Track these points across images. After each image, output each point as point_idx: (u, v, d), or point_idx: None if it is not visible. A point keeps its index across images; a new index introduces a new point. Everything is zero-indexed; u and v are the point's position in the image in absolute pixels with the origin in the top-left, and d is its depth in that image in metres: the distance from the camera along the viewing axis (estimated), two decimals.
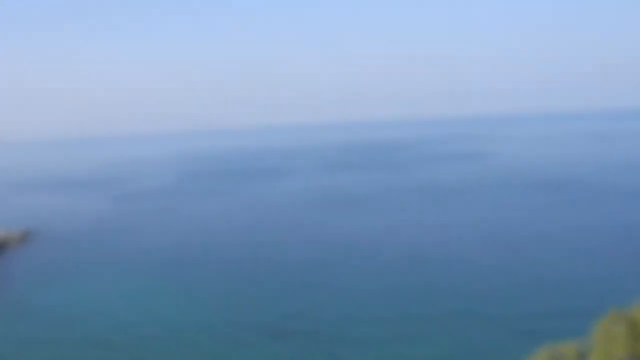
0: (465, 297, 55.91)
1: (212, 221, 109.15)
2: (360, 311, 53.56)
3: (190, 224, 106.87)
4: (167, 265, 75.63)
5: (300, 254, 78.13)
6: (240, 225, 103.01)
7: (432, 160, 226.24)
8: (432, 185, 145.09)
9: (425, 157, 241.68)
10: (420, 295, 57.36)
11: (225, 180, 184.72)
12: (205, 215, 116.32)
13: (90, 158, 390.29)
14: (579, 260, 67.20)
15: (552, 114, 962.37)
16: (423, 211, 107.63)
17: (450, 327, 48.58)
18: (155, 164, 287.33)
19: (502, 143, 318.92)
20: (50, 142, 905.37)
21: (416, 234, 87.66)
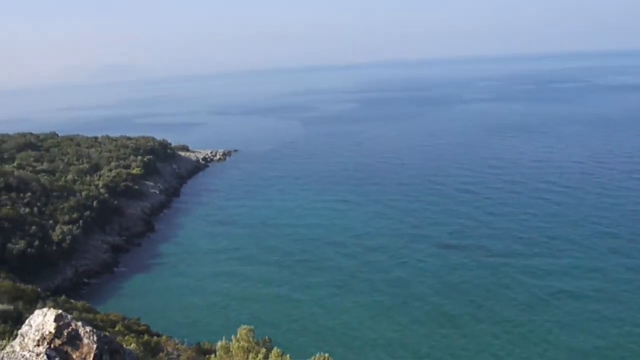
0: (620, 224, 57.47)
1: (389, 144, 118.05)
2: (521, 231, 57.59)
3: (369, 146, 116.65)
4: (347, 182, 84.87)
5: (467, 177, 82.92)
6: (414, 148, 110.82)
7: (595, 91, 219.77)
8: (597, 116, 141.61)
9: (589, 89, 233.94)
10: (578, 219, 59.80)
11: (401, 107, 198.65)
12: (383, 139, 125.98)
13: (279, 88, 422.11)
14: None
15: None
16: (586, 140, 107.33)
17: (600, 248, 51.30)
18: (340, 93, 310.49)
19: None
20: (241, 74, 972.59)
21: (576, 161, 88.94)
